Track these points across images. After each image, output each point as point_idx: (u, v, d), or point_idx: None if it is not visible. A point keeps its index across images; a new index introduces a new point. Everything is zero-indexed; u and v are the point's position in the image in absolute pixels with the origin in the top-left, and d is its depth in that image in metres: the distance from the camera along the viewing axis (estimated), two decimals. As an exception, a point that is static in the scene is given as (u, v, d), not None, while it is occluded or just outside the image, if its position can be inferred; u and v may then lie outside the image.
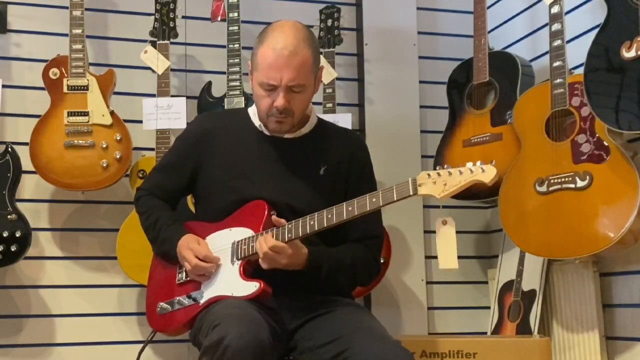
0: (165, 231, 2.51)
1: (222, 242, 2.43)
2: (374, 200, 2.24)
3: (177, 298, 2.46)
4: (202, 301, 2.39)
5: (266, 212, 2.38)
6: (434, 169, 2.22)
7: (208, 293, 2.39)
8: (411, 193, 2.20)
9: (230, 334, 2.08)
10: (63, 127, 3.20)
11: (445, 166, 2.21)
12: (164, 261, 2.55)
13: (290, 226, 2.31)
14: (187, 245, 2.43)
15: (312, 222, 2.29)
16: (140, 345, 2.68)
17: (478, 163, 2.17)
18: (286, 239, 2.29)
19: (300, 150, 2.50)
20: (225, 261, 2.41)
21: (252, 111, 2.56)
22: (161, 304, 2.50)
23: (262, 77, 2.38)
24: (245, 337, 2.08)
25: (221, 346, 2.08)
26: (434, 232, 2.32)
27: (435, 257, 2.79)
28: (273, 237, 2.30)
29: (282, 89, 2.37)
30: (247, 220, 2.41)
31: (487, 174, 2.15)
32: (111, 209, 3.44)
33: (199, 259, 2.39)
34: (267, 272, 2.35)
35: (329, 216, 2.28)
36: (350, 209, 2.26)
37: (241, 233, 2.40)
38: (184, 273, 2.47)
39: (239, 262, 2.37)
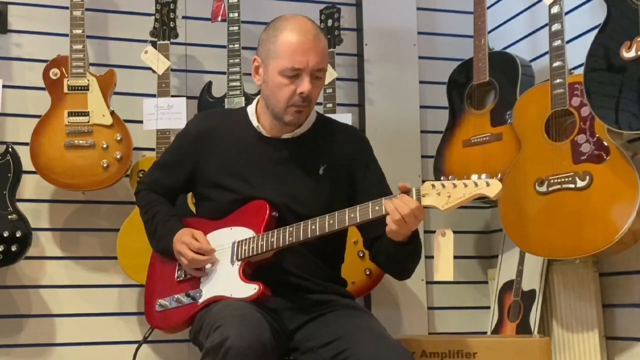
0: (163, 228, 2.51)
1: (222, 240, 2.43)
2: (376, 208, 2.23)
3: (176, 296, 2.45)
4: (200, 300, 2.39)
5: (267, 213, 2.38)
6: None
7: (207, 293, 2.39)
8: None
9: (232, 335, 2.08)
10: (63, 127, 3.20)
11: (450, 177, 2.19)
12: (162, 258, 2.55)
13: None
14: (181, 239, 2.42)
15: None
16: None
17: (483, 176, 2.15)
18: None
19: (299, 150, 2.48)
20: (225, 261, 2.40)
21: (251, 111, 2.54)
22: (160, 301, 2.50)
23: (285, 63, 2.35)
24: (247, 338, 2.08)
25: (223, 348, 2.08)
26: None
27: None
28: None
29: (307, 73, 2.35)
30: (248, 221, 2.41)
31: (492, 188, 2.14)
32: (111, 209, 3.44)
33: (193, 252, 2.39)
34: (266, 273, 2.36)
35: (330, 222, 2.28)
36: (352, 215, 2.26)
37: (242, 233, 2.40)
38: (183, 271, 2.47)
39: (239, 262, 2.37)
